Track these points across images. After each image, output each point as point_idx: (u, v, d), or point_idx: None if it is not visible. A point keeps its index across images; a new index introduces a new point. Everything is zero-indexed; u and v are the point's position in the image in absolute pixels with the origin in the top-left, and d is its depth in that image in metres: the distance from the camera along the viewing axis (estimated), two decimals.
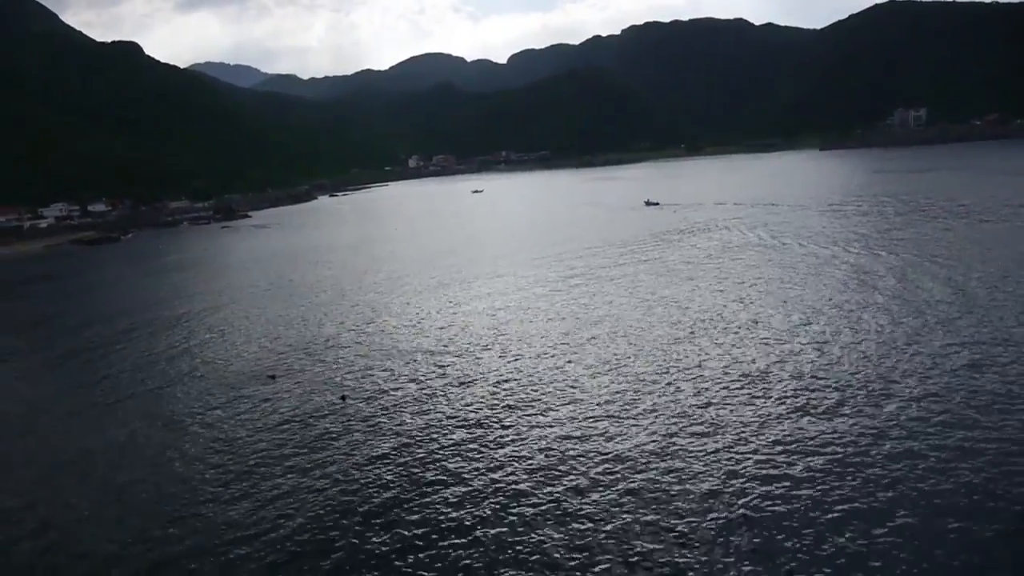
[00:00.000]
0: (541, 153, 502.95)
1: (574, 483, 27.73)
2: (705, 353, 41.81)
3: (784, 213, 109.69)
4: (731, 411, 32.85)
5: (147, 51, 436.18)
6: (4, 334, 68.61)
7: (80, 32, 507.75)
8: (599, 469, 28.56)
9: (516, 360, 44.20)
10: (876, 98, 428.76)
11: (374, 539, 25.06)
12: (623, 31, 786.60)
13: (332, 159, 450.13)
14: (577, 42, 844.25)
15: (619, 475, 27.89)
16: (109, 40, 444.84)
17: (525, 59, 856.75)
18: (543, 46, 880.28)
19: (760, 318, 48.33)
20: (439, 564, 23.25)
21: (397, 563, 23.49)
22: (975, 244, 68.02)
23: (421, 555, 23.89)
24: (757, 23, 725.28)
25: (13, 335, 67.62)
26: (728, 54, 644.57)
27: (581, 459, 29.61)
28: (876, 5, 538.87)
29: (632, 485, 27.02)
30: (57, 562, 25.38)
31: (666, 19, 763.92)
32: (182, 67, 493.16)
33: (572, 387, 38.27)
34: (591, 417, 33.75)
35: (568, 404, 35.77)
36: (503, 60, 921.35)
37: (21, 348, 61.15)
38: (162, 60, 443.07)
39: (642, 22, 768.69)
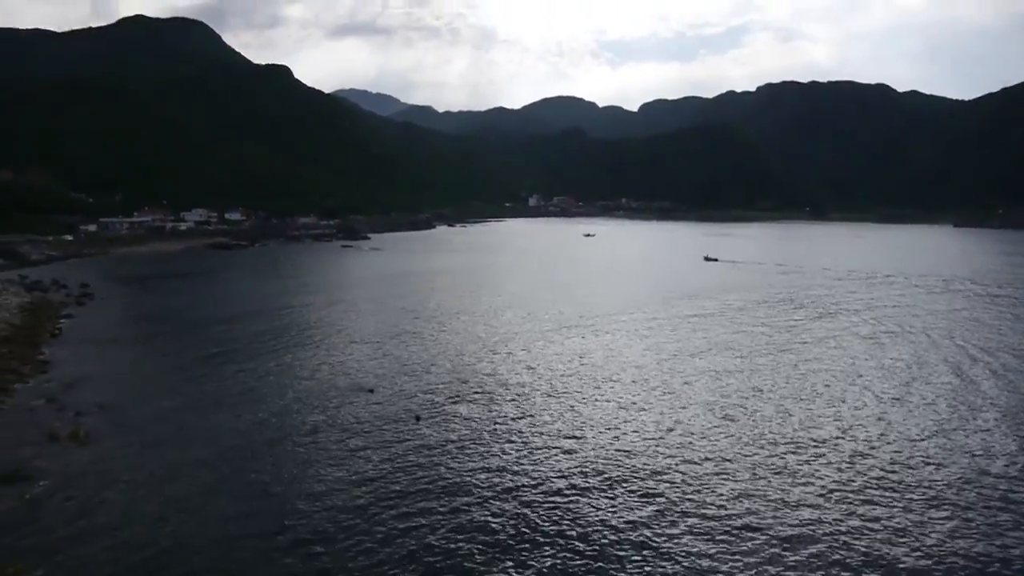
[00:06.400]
0: (661, 203, 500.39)
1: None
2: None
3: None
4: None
5: (296, 74, 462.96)
6: (130, 323, 76.16)
7: (238, 53, 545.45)
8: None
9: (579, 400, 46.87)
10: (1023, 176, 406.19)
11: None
12: (758, 88, 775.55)
13: (456, 190, 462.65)
14: (711, 96, 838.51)
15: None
16: (263, 62, 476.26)
17: (656, 109, 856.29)
18: (676, 97, 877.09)
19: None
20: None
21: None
22: None
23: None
24: (901, 89, 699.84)
25: (137, 324, 74.97)
26: (866, 119, 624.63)
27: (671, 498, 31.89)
28: None
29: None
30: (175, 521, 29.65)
31: (806, 79, 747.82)
32: (327, 92, 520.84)
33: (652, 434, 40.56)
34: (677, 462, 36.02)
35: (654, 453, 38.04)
36: (634, 107, 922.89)
37: (142, 337, 67.87)
38: (309, 84, 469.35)
39: (779, 80, 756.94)
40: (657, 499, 31.39)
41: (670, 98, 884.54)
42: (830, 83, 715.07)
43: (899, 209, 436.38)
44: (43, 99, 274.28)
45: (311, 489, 32.12)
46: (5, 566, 24.85)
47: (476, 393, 47.84)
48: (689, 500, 31.32)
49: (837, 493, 32.18)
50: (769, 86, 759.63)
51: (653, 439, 38.97)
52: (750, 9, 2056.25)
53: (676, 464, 35.37)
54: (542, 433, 40.03)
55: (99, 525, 28.48)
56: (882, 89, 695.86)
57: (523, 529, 28.75)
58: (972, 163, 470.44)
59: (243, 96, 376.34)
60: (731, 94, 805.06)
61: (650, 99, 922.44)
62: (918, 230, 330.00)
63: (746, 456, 36.50)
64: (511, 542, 27.76)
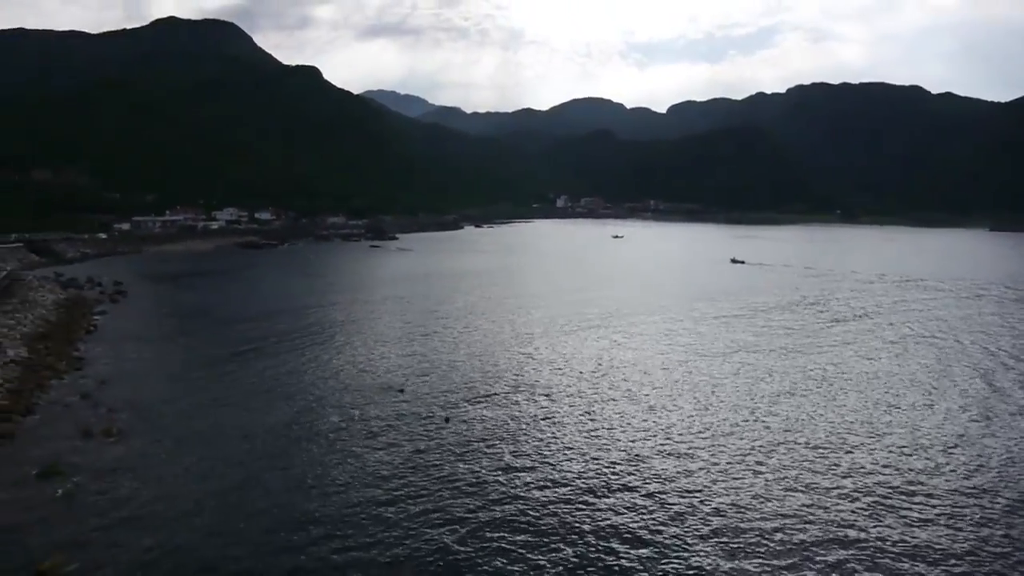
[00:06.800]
0: (689, 206, 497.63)
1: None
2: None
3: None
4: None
5: (325, 75, 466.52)
6: (162, 320, 77.23)
7: (268, 54, 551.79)
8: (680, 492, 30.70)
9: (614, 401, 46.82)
10: None
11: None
12: (788, 90, 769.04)
13: (483, 191, 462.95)
14: (740, 97, 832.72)
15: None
16: (293, 64, 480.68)
17: (684, 111, 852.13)
18: (705, 98, 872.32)
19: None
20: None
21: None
22: None
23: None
24: (935, 91, 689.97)
25: (169, 322, 76.02)
26: (898, 121, 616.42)
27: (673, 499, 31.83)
28: None
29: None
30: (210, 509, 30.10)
31: (837, 80, 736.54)
32: (356, 93, 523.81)
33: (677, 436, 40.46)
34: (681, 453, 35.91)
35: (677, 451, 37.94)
36: (662, 109, 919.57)
37: (174, 334, 68.81)
38: (338, 85, 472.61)
39: (810, 82, 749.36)
40: (683, 501, 31.34)
41: (699, 100, 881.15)
42: (862, 84, 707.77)
43: (931, 212, 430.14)
44: (78, 99, 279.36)
45: (341, 486, 32.48)
46: (41, 560, 25.38)
47: (503, 394, 48.02)
48: (715, 503, 31.20)
49: (866, 499, 31.88)
50: (800, 87, 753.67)
51: (680, 441, 38.86)
52: (780, 9, 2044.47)
53: (703, 467, 35.27)
54: (568, 434, 40.11)
55: (131, 520, 28.99)
56: (915, 91, 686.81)
57: (548, 529, 28.86)
58: (1007, 166, 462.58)
59: (273, 97, 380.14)
60: (761, 96, 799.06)
61: (679, 101, 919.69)
62: (953, 234, 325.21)
63: (773, 460, 36.27)
64: (535, 542, 27.92)
